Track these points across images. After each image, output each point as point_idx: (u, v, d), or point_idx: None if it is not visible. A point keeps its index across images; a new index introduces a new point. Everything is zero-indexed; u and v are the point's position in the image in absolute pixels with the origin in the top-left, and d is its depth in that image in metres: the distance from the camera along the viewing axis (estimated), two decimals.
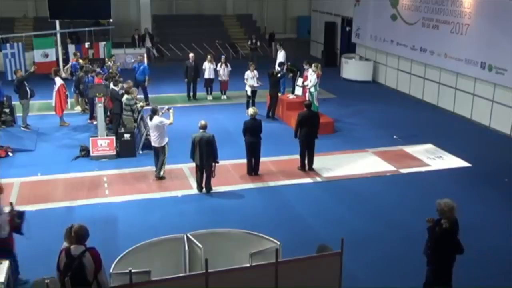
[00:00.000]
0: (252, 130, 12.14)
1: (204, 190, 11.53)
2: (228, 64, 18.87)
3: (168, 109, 12.55)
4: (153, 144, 12.09)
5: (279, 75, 16.78)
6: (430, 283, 7.44)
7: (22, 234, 7.88)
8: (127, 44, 25.46)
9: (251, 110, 12.47)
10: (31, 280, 7.50)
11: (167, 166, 12.36)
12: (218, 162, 11.36)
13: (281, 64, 17.95)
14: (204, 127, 11.24)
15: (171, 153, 12.38)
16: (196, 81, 18.88)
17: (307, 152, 12.61)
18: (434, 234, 7.15)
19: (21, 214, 7.88)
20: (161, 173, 12.13)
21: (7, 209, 7.77)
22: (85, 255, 6.14)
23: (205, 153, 11.14)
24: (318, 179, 12.39)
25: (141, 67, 18.07)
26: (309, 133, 12.49)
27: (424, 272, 8.02)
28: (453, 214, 7.11)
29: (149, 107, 14.71)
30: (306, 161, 12.68)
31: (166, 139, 12.02)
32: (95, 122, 14.95)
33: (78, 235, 6.27)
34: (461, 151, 13.99)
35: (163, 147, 11.98)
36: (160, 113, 12.09)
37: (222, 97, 19.22)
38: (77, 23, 23.06)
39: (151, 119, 11.95)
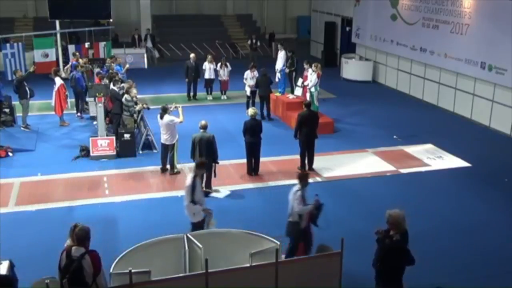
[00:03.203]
0: (252, 130, 12.14)
1: (204, 189, 11.53)
2: (228, 64, 18.89)
3: (175, 107, 12.63)
4: (163, 142, 12.25)
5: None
6: None
7: (317, 225, 8.30)
8: (127, 44, 25.46)
9: (251, 111, 12.47)
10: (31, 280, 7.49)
11: (168, 165, 12.48)
12: (218, 163, 11.35)
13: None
14: (204, 127, 11.26)
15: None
16: (197, 81, 18.90)
17: (307, 151, 12.61)
18: (384, 245, 6.87)
19: (319, 206, 8.24)
20: (175, 169, 12.38)
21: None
22: (84, 257, 6.09)
23: (205, 153, 11.14)
24: (318, 179, 12.38)
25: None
26: (310, 133, 12.48)
27: (423, 272, 8.04)
28: (404, 224, 6.85)
29: (147, 108, 14.82)
30: (306, 161, 12.67)
31: (176, 137, 12.24)
32: (95, 122, 14.95)
33: (78, 236, 6.23)
34: (461, 151, 13.99)
35: (173, 144, 12.20)
36: (169, 111, 12.18)
37: (222, 97, 19.23)
38: (77, 23, 23.07)
39: (161, 117, 12.08)
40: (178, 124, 12.21)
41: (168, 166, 12.46)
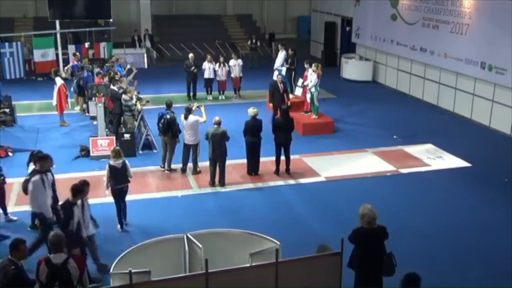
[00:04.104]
0: (253, 130, 12.16)
1: (217, 184, 11.78)
2: (226, 64, 18.91)
3: (198, 107, 12.69)
4: (187, 142, 12.26)
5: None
6: None
7: None
8: (127, 44, 25.44)
9: (251, 110, 12.44)
10: None
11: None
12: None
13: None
14: (218, 123, 11.49)
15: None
16: (196, 81, 18.90)
17: (285, 155, 12.55)
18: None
19: None
20: (198, 169, 12.44)
21: None
22: (69, 262, 6.13)
23: (218, 148, 11.39)
24: (318, 179, 12.38)
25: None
26: (285, 137, 12.41)
27: (423, 272, 8.01)
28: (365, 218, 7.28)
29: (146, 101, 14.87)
30: (280, 166, 12.60)
31: (200, 136, 12.26)
32: (95, 122, 14.96)
33: (54, 243, 6.22)
34: (461, 151, 13.99)
35: (197, 144, 12.26)
36: (193, 111, 12.27)
37: (220, 97, 19.25)
38: (77, 23, 23.06)
39: (186, 118, 12.09)
40: (202, 123, 12.24)
41: (189, 166, 12.48)
